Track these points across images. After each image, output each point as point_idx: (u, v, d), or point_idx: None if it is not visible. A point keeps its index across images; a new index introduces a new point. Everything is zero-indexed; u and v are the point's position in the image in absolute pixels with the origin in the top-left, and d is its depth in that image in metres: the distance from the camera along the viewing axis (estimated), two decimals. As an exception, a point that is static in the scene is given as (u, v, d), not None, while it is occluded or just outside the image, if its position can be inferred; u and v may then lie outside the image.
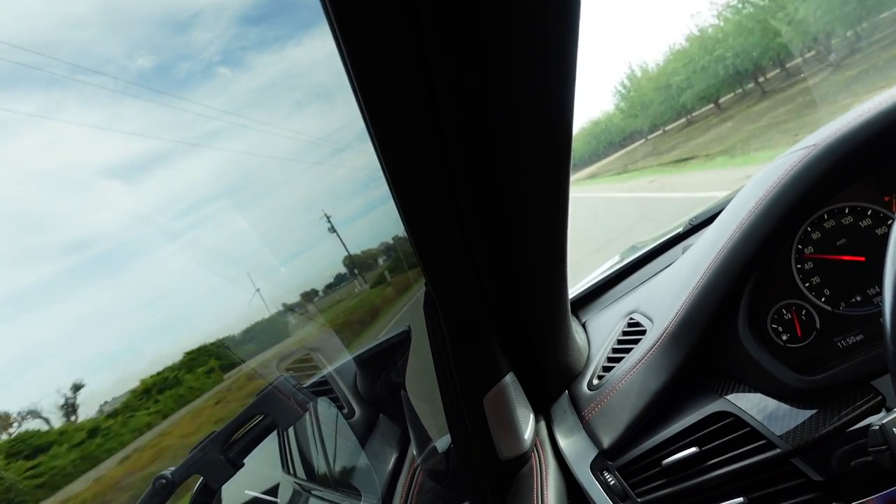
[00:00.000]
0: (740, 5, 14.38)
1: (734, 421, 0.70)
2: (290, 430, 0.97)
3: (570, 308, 0.90)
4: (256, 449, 0.83)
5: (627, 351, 0.86)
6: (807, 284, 0.72)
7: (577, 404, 0.89)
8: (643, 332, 0.86)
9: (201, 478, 0.74)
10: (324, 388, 1.03)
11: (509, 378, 0.81)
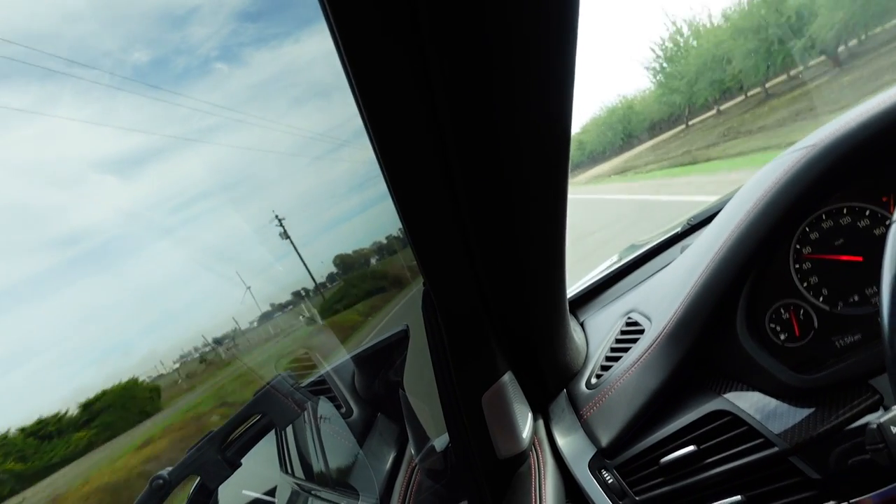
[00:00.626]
0: None
1: (732, 419, 0.70)
2: (288, 429, 0.97)
3: (568, 307, 0.90)
4: (254, 448, 0.82)
5: (626, 350, 0.86)
6: (805, 284, 0.72)
7: (575, 403, 0.89)
8: (641, 332, 0.86)
9: (198, 478, 0.74)
10: (321, 388, 1.03)
11: (507, 377, 0.81)
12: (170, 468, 0.70)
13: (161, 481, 0.68)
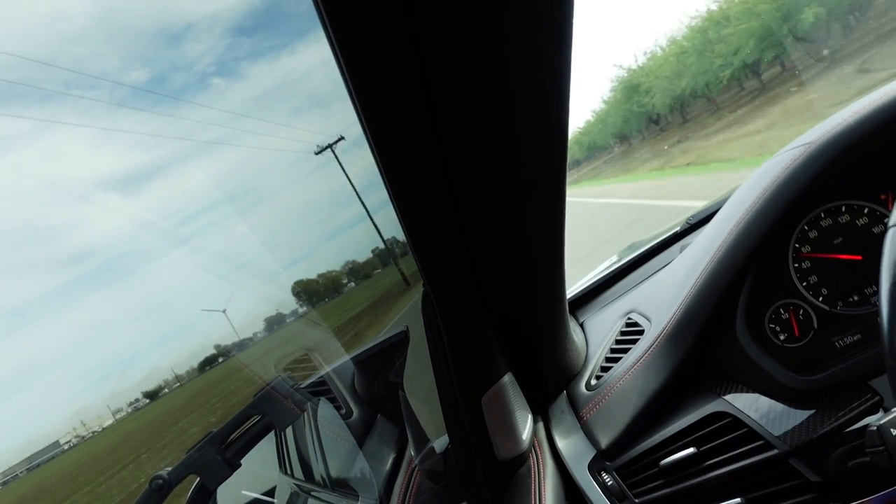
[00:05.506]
0: None
1: (732, 421, 0.70)
2: (288, 430, 0.97)
3: (568, 308, 0.90)
4: (254, 449, 0.82)
5: (625, 351, 0.86)
6: (804, 284, 0.72)
7: (575, 404, 0.89)
8: (641, 332, 0.86)
9: (198, 478, 0.74)
10: (321, 389, 1.03)
11: (507, 378, 0.81)
12: (169, 468, 0.70)
13: (161, 481, 0.69)
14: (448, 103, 0.47)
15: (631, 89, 20.75)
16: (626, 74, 21.26)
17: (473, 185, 0.56)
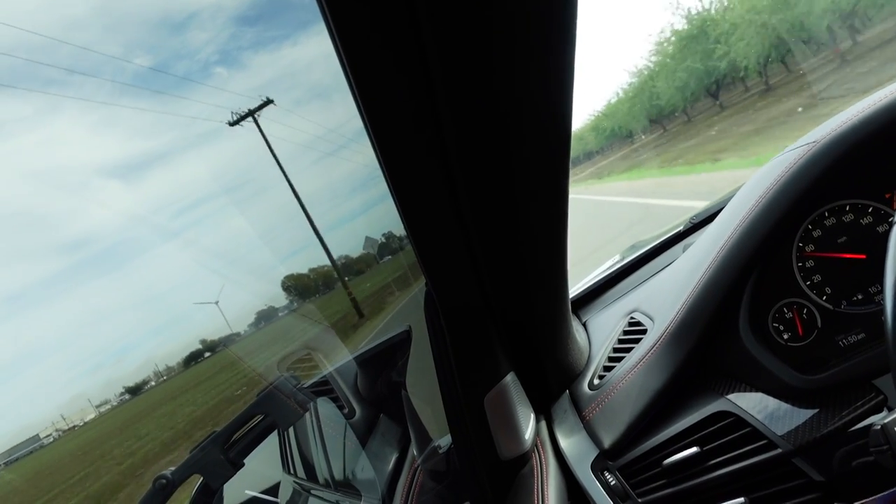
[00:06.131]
0: None
1: (735, 421, 0.70)
2: (291, 429, 0.97)
3: (570, 307, 0.90)
4: (257, 449, 0.83)
5: (628, 350, 0.86)
6: (808, 283, 0.72)
7: (577, 404, 0.89)
8: (644, 332, 0.86)
9: (201, 478, 0.74)
10: (324, 388, 1.03)
11: (510, 378, 0.81)
12: (173, 468, 0.71)
13: (164, 481, 0.69)
14: (449, 98, 0.47)
15: (694, 39, 15.07)
16: (685, 23, 15.39)
17: (475, 182, 0.56)
